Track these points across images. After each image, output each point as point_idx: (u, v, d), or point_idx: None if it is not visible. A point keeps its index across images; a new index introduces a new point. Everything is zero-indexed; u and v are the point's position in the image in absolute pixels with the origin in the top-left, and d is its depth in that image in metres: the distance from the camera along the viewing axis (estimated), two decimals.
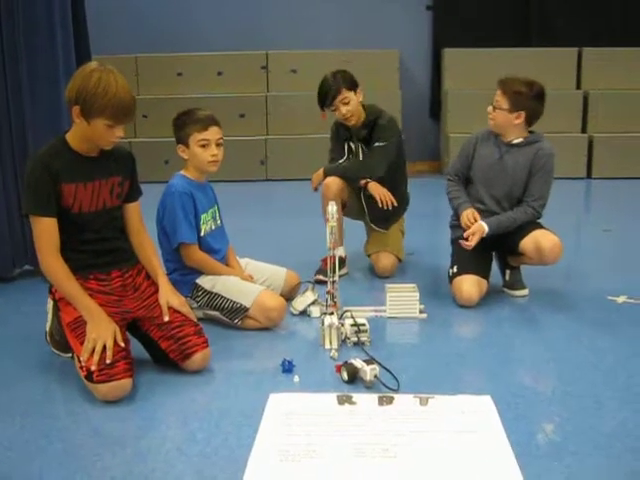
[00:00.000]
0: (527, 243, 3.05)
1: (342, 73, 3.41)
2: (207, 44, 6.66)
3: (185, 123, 2.84)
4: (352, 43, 6.61)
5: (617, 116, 6.35)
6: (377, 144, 3.41)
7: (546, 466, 1.84)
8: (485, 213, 3.14)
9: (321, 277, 3.27)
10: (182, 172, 2.93)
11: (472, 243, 3.04)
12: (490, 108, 3.10)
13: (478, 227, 3.06)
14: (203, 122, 2.82)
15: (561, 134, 6.06)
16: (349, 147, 3.52)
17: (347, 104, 3.36)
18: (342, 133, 3.54)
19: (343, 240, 3.57)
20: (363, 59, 6.22)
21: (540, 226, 3.11)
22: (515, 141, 3.13)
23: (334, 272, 2.71)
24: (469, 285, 3.05)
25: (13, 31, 3.24)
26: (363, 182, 3.47)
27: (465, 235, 3.06)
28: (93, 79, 2.25)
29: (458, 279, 3.09)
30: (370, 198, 3.48)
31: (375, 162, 3.42)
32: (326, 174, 3.47)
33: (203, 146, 2.82)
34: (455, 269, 3.13)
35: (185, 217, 2.82)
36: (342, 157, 3.54)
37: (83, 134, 2.36)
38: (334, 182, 3.42)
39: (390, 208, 3.42)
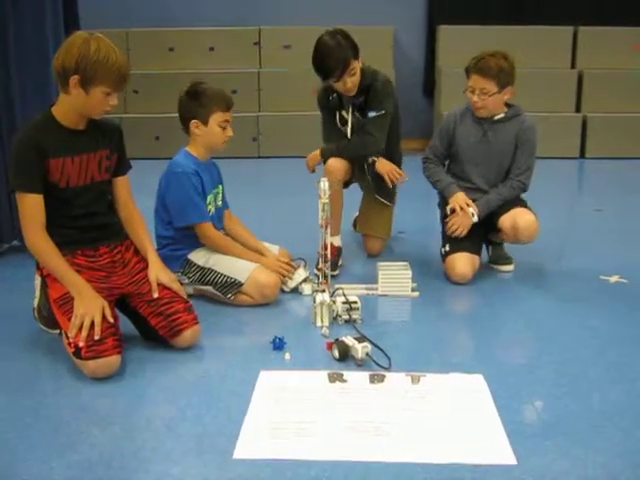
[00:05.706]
0: (505, 220, 3.06)
1: (344, 38, 3.09)
2: (199, 19, 6.56)
3: (210, 100, 2.78)
4: (346, 19, 6.46)
5: (611, 96, 6.30)
6: (373, 114, 3.13)
7: (538, 445, 1.83)
8: (474, 191, 3.14)
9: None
10: (187, 149, 2.88)
11: (462, 234, 3.07)
12: (475, 97, 3.02)
13: (463, 223, 3.06)
14: (227, 102, 2.81)
15: (555, 113, 6.03)
16: (341, 116, 3.26)
17: (353, 75, 3.06)
18: (332, 100, 3.27)
19: (340, 228, 3.31)
20: (357, 36, 6.05)
21: (521, 204, 3.12)
22: (497, 117, 3.10)
23: (325, 250, 2.69)
24: (462, 263, 3.04)
25: (2, 4, 3.17)
26: (370, 160, 3.25)
27: (452, 232, 3.08)
28: (92, 48, 2.22)
29: (451, 257, 3.07)
30: (377, 174, 3.28)
31: (374, 137, 3.14)
32: (324, 155, 3.21)
33: (223, 126, 2.79)
34: (447, 247, 3.11)
35: (199, 197, 2.78)
36: (335, 128, 3.31)
37: (76, 105, 2.31)
38: (337, 165, 3.17)
39: (401, 183, 3.27)
